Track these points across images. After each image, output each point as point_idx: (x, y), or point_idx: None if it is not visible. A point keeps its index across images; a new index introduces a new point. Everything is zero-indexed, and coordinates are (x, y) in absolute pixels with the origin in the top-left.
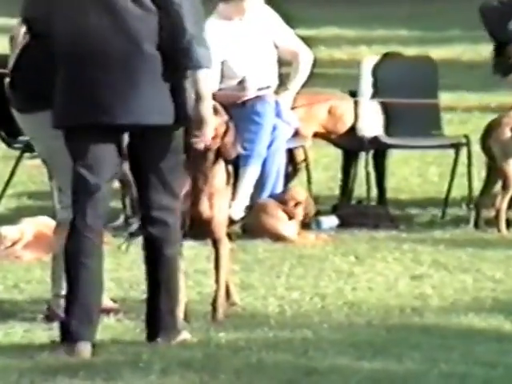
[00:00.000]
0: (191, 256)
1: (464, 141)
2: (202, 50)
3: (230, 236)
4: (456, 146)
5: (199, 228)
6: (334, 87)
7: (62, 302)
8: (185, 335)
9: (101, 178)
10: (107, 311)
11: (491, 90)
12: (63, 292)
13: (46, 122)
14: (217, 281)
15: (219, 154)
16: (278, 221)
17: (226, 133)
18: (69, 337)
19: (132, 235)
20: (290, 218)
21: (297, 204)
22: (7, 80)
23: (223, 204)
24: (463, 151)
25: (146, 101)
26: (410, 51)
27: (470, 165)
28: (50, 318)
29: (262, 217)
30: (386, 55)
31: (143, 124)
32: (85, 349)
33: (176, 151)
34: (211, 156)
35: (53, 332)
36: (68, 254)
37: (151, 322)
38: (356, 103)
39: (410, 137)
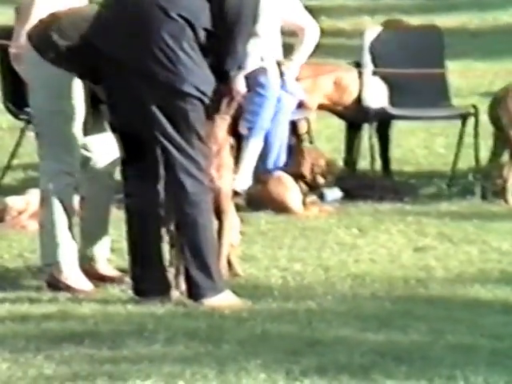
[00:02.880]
0: None
1: (472, 111)
2: (243, 50)
3: (237, 208)
4: (463, 117)
5: None
6: (337, 58)
7: (63, 267)
8: (227, 297)
9: None
10: (111, 280)
11: (499, 57)
12: (59, 259)
13: (58, 80)
14: (218, 252)
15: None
16: (285, 192)
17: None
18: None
19: None
20: (310, 186)
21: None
22: (12, 51)
23: (229, 176)
24: (470, 121)
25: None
26: (415, 20)
27: (477, 135)
28: (52, 285)
29: (269, 188)
30: (387, 23)
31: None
32: None
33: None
34: (222, 129)
35: (57, 300)
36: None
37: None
38: (360, 74)
39: (415, 108)
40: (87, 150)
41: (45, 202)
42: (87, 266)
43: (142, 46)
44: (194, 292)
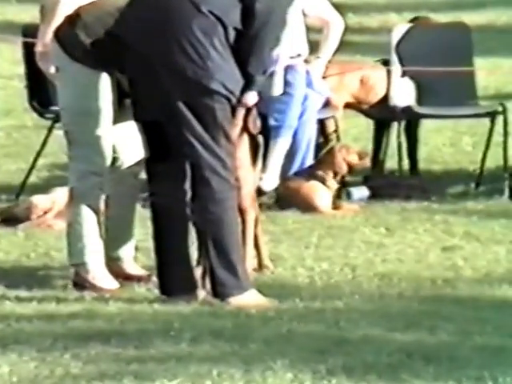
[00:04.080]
0: None
1: (500, 109)
2: (269, 55)
3: (260, 206)
4: (491, 115)
5: None
6: (364, 56)
7: (90, 267)
8: (252, 296)
9: None
10: (138, 279)
11: None
12: (86, 259)
13: (86, 79)
14: (243, 251)
15: (243, 128)
16: (313, 191)
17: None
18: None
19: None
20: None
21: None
22: (38, 49)
23: (248, 176)
24: (499, 119)
25: None
26: (442, 17)
27: (505, 134)
28: (79, 284)
29: (296, 187)
30: (415, 20)
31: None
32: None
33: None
34: (237, 130)
35: (83, 299)
36: None
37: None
38: (388, 72)
39: (443, 106)
40: (114, 150)
41: (73, 201)
42: (113, 265)
43: (171, 40)
44: (220, 291)
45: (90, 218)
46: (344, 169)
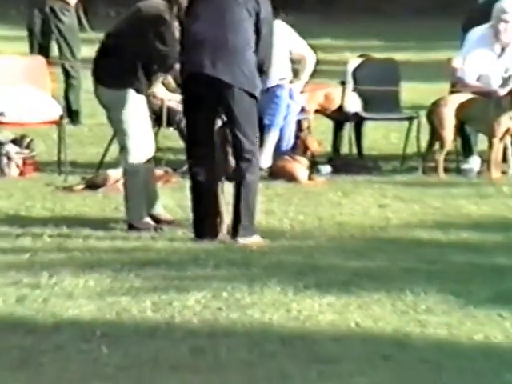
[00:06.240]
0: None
1: (415, 115)
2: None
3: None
4: (410, 119)
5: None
6: (328, 79)
7: (142, 217)
8: (255, 238)
9: None
10: (168, 223)
11: (435, 80)
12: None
13: (122, 97)
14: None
15: None
16: (295, 168)
17: None
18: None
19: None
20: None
21: (303, 151)
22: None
23: None
24: (415, 122)
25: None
26: (380, 55)
27: (418, 131)
28: (135, 228)
29: (284, 165)
30: (362, 56)
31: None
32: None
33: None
34: None
35: (140, 237)
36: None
37: (235, 226)
38: (343, 90)
39: (379, 112)
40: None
41: (127, 175)
42: (153, 214)
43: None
44: (241, 233)
45: (141, 187)
46: (314, 149)
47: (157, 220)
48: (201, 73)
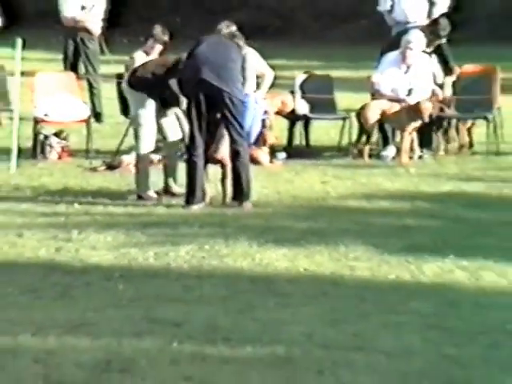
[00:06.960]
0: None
1: (347, 115)
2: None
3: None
4: (343, 119)
5: (215, 160)
6: (283, 89)
7: (148, 190)
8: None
9: None
10: (172, 194)
11: (360, 91)
12: (145, 188)
13: (143, 99)
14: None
15: None
16: (259, 155)
17: None
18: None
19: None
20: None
21: (265, 142)
22: (123, 85)
23: (226, 149)
24: (347, 121)
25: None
26: (319, 72)
27: (350, 127)
28: (142, 198)
29: (252, 153)
30: (306, 72)
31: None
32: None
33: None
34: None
35: (146, 205)
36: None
37: (236, 192)
38: (294, 97)
39: (321, 114)
40: (164, 132)
41: (140, 159)
42: (164, 188)
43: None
44: (241, 199)
45: (145, 168)
46: (272, 142)
47: (169, 192)
48: (205, 81)
